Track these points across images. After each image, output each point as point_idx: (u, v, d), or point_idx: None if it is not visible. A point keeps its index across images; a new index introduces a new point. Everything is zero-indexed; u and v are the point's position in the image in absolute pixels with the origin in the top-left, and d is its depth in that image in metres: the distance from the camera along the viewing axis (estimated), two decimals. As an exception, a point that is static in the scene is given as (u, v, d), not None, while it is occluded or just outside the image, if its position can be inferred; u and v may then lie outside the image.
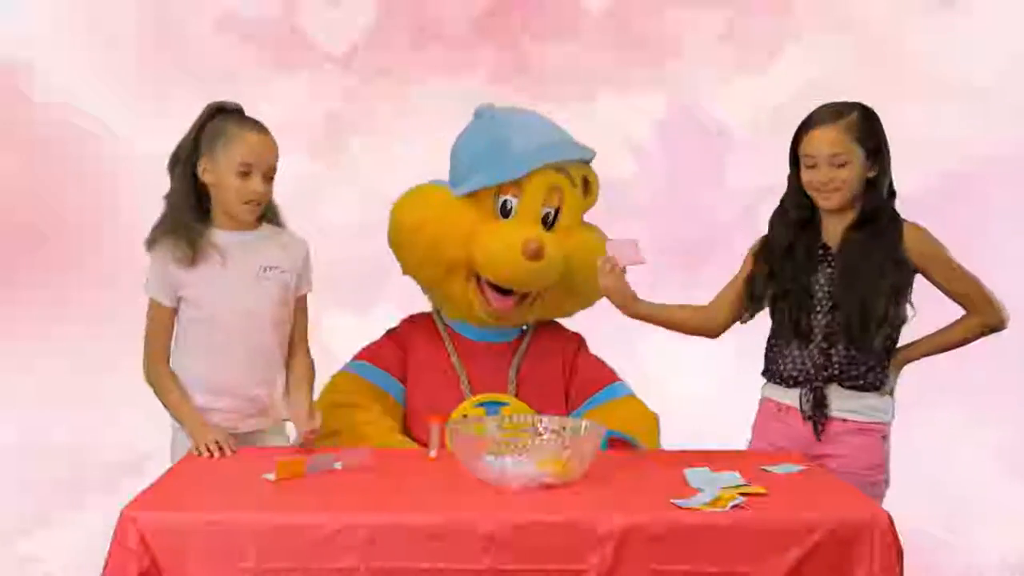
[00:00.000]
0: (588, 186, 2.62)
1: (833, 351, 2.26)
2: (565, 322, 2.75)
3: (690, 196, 3.82)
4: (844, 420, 2.27)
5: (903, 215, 2.27)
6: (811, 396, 2.28)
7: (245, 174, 2.23)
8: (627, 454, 2.28)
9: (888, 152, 2.26)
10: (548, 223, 2.57)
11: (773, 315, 2.35)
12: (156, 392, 2.29)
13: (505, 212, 2.55)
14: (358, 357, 2.65)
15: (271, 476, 1.99)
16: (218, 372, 2.29)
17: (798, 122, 2.28)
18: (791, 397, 2.32)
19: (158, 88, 3.68)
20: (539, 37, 3.90)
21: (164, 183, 2.31)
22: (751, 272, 2.37)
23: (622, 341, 2.74)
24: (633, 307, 2.31)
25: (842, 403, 2.28)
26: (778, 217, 2.35)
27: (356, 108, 3.84)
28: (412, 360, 2.62)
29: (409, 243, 2.58)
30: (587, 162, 2.63)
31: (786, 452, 2.28)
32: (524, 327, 2.69)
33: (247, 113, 2.31)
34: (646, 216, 3.60)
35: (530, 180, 2.53)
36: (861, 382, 2.26)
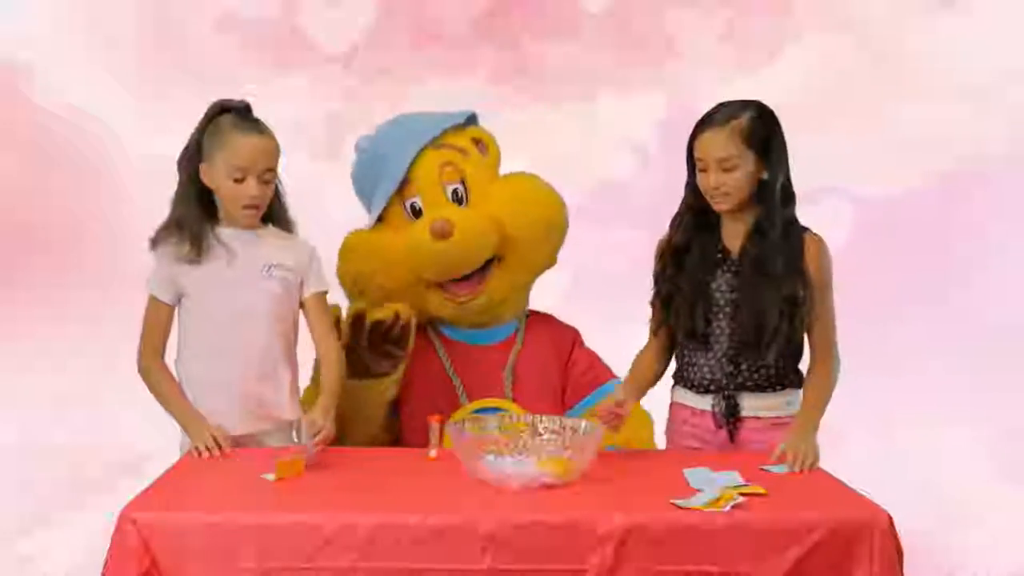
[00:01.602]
0: (483, 145, 2.62)
1: (741, 359, 2.23)
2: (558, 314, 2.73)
3: (690, 196, 3.82)
4: (758, 418, 2.25)
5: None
6: (723, 404, 2.26)
7: (240, 179, 2.23)
8: (627, 454, 2.28)
9: (784, 153, 2.21)
10: (461, 199, 2.56)
11: (668, 317, 2.30)
12: (149, 387, 2.29)
13: (416, 213, 2.56)
14: None
15: (271, 476, 1.99)
16: (219, 370, 2.28)
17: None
18: (704, 403, 2.29)
19: (158, 88, 3.68)
20: (539, 37, 3.90)
21: (164, 183, 2.30)
22: (654, 273, 2.34)
23: (609, 332, 2.73)
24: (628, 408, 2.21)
25: (754, 402, 2.25)
26: (677, 218, 2.32)
27: (356, 108, 3.83)
28: (405, 371, 2.58)
29: (368, 297, 2.55)
30: (467, 126, 2.63)
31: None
32: (516, 324, 2.65)
33: (248, 113, 2.31)
34: (646, 216, 3.59)
35: (416, 172, 2.55)
36: (771, 390, 2.24)
